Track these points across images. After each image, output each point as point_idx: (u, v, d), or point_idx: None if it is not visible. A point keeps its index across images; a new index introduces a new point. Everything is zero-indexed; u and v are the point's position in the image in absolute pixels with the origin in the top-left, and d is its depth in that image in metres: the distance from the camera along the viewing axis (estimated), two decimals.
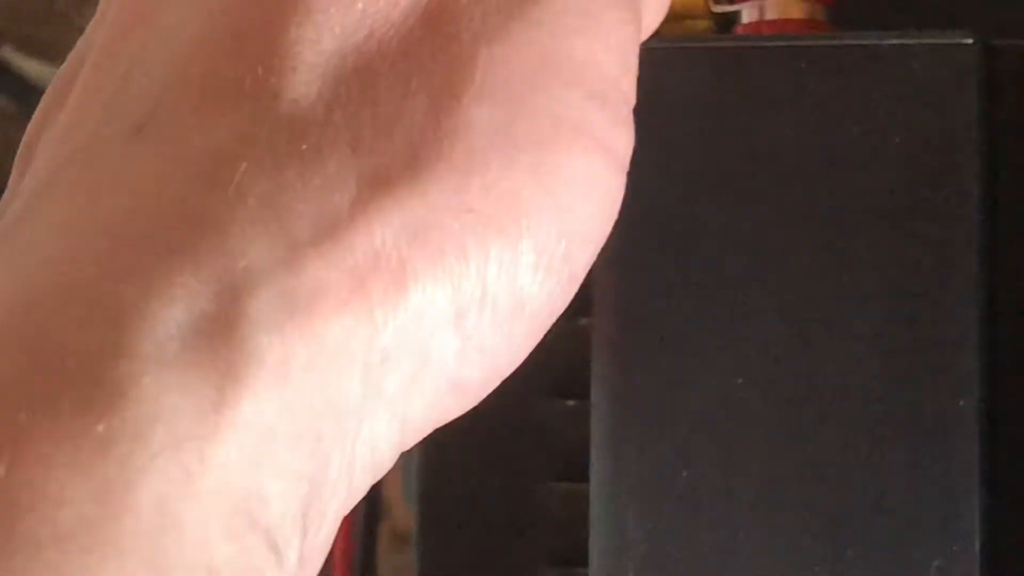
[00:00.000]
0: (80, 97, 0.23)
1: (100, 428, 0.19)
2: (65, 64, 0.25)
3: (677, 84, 0.28)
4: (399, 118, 0.22)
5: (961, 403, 0.27)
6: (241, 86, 0.22)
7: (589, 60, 0.24)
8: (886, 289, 0.27)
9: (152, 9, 0.24)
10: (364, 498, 0.23)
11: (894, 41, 0.27)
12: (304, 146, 0.22)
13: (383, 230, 0.22)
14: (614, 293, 0.28)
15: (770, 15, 0.29)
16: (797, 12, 0.29)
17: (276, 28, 0.22)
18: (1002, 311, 0.28)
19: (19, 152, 0.24)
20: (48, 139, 0.23)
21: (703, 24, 0.29)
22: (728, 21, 0.29)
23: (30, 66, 0.55)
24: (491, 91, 0.23)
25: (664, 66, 0.26)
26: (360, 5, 0.23)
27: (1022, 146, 0.28)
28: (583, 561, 0.29)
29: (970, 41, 0.27)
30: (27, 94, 0.55)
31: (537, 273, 0.23)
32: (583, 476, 0.29)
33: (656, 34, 0.26)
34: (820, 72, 0.27)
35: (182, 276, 0.21)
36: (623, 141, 0.24)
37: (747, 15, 0.29)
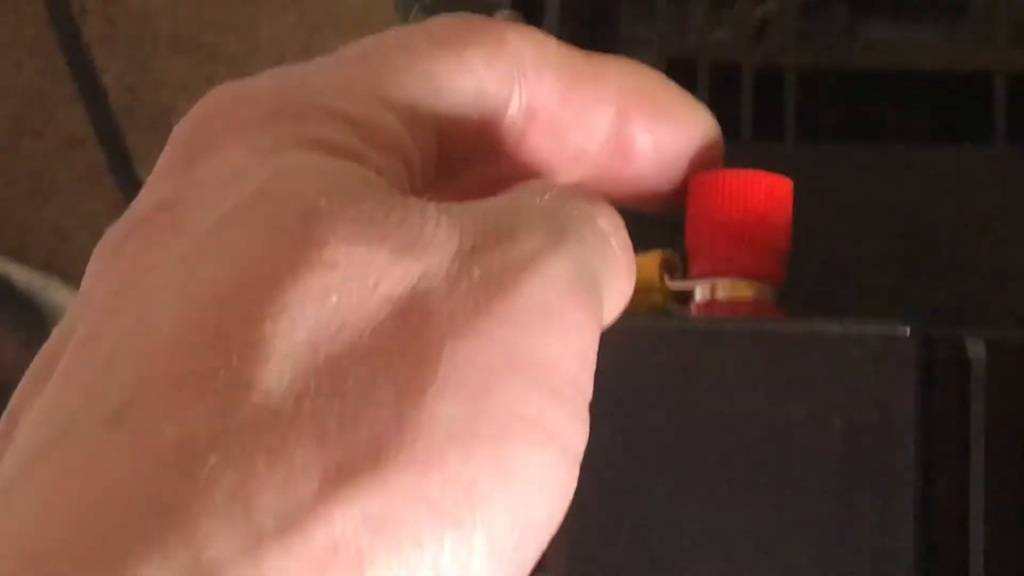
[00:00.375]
0: (61, 379, 0.24)
1: None
2: (50, 339, 0.26)
3: (628, 362, 0.29)
4: (364, 411, 0.24)
5: None
6: (215, 377, 0.23)
7: (550, 358, 0.25)
8: (828, 564, 0.29)
9: (138, 294, 0.25)
10: None
11: (836, 329, 0.29)
12: (272, 439, 0.23)
13: (343, 521, 0.23)
14: (566, 564, 0.29)
15: (721, 295, 0.30)
16: (747, 293, 0.30)
17: (253, 321, 0.24)
18: None
19: None
20: (29, 419, 0.24)
21: (658, 298, 0.31)
22: (683, 295, 0.31)
23: (16, 271, 0.56)
24: (453, 387, 0.24)
25: (617, 345, 0.28)
26: (334, 299, 0.24)
27: (955, 428, 0.30)
28: None
29: (907, 332, 0.29)
30: (13, 301, 0.56)
31: (489, 562, 0.24)
32: None
33: None
34: (766, 355, 0.29)
35: (149, 568, 0.22)
36: (578, 436, 0.25)
37: (700, 293, 0.31)
